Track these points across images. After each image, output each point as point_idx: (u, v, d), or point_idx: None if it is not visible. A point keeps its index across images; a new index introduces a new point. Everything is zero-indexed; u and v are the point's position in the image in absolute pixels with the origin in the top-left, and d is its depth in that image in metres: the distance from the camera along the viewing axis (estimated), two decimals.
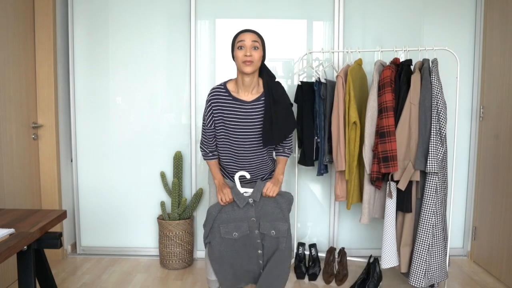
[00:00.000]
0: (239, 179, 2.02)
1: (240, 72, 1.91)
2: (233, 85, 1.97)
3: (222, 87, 1.97)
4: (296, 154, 2.77)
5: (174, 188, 2.79)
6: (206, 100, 1.99)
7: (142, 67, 2.96)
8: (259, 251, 2.00)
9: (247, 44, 1.86)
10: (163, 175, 2.91)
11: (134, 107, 2.98)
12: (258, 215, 1.98)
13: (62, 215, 1.72)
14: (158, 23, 2.93)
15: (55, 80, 2.81)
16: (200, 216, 3.02)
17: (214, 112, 1.96)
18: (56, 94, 2.82)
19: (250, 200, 1.96)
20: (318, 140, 2.57)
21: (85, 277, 2.66)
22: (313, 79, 2.92)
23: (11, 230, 1.44)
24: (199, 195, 2.88)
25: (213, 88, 1.98)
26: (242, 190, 1.96)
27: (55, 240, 1.60)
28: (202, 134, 2.06)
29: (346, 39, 2.93)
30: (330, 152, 2.56)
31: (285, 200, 2.00)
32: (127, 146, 3.00)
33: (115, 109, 2.99)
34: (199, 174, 2.99)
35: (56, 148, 2.83)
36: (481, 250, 2.87)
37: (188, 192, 3.03)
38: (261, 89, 1.97)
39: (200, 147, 2.09)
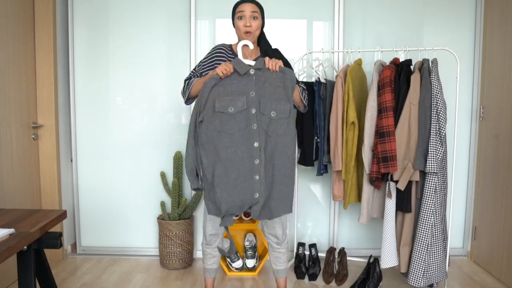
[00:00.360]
0: (242, 48, 1.89)
1: (240, 40, 2.00)
2: (235, 48, 2.06)
3: (228, 46, 2.06)
4: (296, 154, 2.77)
5: (174, 188, 2.79)
6: (209, 53, 2.03)
7: (142, 67, 2.96)
8: (255, 144, 1.81)
9: (247, 14, 1.93)
10: (163, 175, 2.91)
11: (134, 107, 2.99)
12: (258, 91, 1.83)
13: (62, 215, 1.72)
14: (158, 23, 2.93)
15: (55, 80, 2.81)
16: (200, 216, 3.02)
17: (216, 64, 1.99)
18: (56, 94, 2.82)
19: (252, 71, 1.82)
20: (318, 140, 2.57)
21: (85, 277, 2.66)
22: (313, 79, 2.92)
23: (11, 230, 1.44)
24: (199, 195, 2.88)
25: (219, 44, 2.05)
26: (244, 61, 1.85)
27: (55, 240, 1.60)
28: (191, 76, 2.00)
29: (346, 39, 2.93)
30: (330, 152, 2.57)
31: (288, 78, 1.86)
32: (127, 146, 3.00)
33: (115, 109, 2.99)
34: None
35: (56, 148, 2.83)
36: (481, 250, 2.87)
37: (188, 192, 3.03)
38: (259, 54, 2.05)
39: (184, 89, 1.99)
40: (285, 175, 1.89)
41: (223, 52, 2.01)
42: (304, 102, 2.03)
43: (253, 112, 1.83)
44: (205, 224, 2.04)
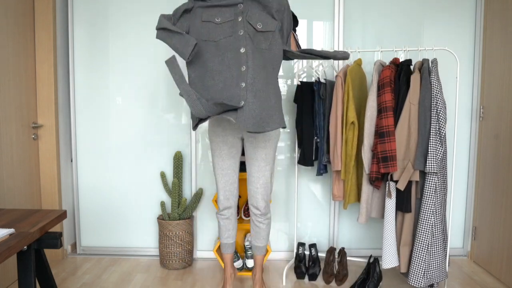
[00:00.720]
0: None
1: None
2: None
3: None
4: (295, 154, 2.78)
5: (174, 188, 2.79)
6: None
7: (142, 67, 2.96)
8: (242, 50, 1.79)
9: None
10: (163, 175, 2.91)
11: (134, 107, 2.99)
12: (246, 4, 1.84)
13: (62, 215, 1.72)
14: None
15: (55, 80, 2.81)
16: (200, 216, 3.02)
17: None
18: (56, 94, 2.82)
19: None
20: (318, 140, 2.57)
21: (85, 277, 2.66)
22: (313, 79, 2.92)
23: (11, 230, 1.44)
24: (199, 195, 2.89)
25: None
26: None
27: (55, 240, 1.60)
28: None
29: (346, 39, 2.93)
30: (330, 152, 2.57)
31: (280, 2, 1.86)
32: (127, 146, 3.01)
33: (115, 109, 2.99)
34: (199, 174, 2.99)
35: (56, 148, 2.83)
36: (481, 250, 2.88)
37: (188, 192, 3.03)
38: None
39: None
40: (270, 91, 1.85)
41: None
42: (298, 45, 1.99)
43: (239, 19, 1.81)
44: (218, 192, 2.14)
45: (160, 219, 2.85)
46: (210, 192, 3.00)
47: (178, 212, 2.82)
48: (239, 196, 2.93)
